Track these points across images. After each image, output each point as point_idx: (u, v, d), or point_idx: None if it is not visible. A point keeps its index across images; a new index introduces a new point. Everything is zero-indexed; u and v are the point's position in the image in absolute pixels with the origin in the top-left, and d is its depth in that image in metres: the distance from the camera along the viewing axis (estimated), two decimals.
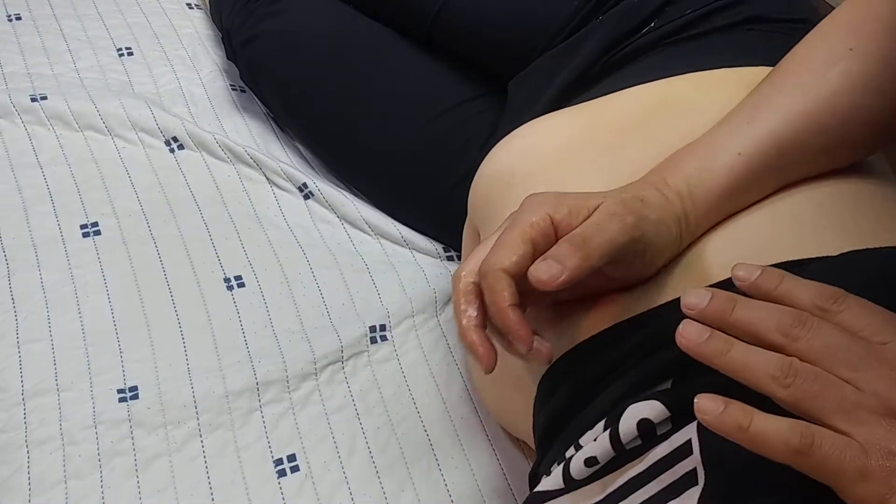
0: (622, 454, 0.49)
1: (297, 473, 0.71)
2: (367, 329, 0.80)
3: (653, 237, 0.52)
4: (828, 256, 0.50)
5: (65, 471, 0.69)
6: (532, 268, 0.48)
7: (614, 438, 0.48)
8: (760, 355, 0.40)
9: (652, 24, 0.73)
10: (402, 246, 0.90)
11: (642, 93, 0.68)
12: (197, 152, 0.94)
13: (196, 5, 1.16)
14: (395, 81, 0.91)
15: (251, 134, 1.00)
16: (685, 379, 0.49)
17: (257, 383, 0.76)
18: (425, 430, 0.75)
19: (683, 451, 0.45)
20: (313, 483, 0.71)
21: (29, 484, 0.68)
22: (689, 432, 0.45)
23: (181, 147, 0.94)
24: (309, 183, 0.92)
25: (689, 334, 0.41)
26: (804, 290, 0.42)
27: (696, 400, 0.39)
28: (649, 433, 0.48)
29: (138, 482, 0.69)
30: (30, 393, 0.73)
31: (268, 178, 0.93)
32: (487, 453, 0.74)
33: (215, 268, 0.84)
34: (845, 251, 0.50)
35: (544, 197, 0.52)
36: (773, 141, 0.55)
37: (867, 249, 0.50)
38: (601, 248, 0.49)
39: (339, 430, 0.74)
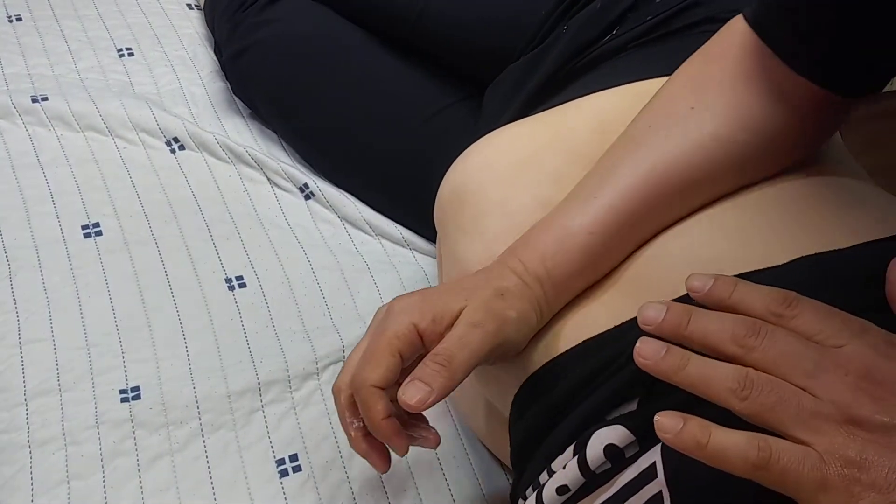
0: (592, 479, 0.49)
1: (299, 473, 0.71)
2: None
3: (514, 335, 0.54)
4: (775, 266, 0.50)
5: (67, 471, 0.69)
6: (401, 392, 0.49)
7: (583, 465, 0.49)
8: (717, 369, 0.40)
9: (614, 32, 0.74)
10: (403, 246, 0.90)
11: (596, 102, 0.69)
12: (198, 153, 0.94)
13: (196, 6, 1.17)
14: (383, 87, 0.92)
15: (252, 134, 1.00)
16: (651, 397, 0.49)
17: (259, 383, 0.76)
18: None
19: (649, 474, 0.45)
20: (315, 483, 0.71)
21: (31, 484, 0.68)
22: (654, 455, 0.45)
23: (182, 147, 0.94)
24: (310, 183, 0.92)
25: (646, 352, 0.41)
26: (758, 296, 0.42)
27: (655, 418, 0.39)
28: (617, 456, 0.48)
29: (141, 482, 0.69)
30: (32, 393, 0.73)
31: (269, 179, 0.93)
32: (489, 453, 0.75)
33: (216, 268, 0.84)
34: (793, 258, 0.50)
35: (409, 303, 0.53)
36: (617, 215, 0.55)
37: (815, 255, 0.50)
38: (466, 362, 0.50)
39: (340, 430, 0.74)
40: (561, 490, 0.50)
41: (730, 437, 0.37)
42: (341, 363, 0.78)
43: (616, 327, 0.54)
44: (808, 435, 0.37)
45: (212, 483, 0.70)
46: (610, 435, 0.48)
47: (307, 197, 0.92)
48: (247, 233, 0.88)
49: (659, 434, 0.39)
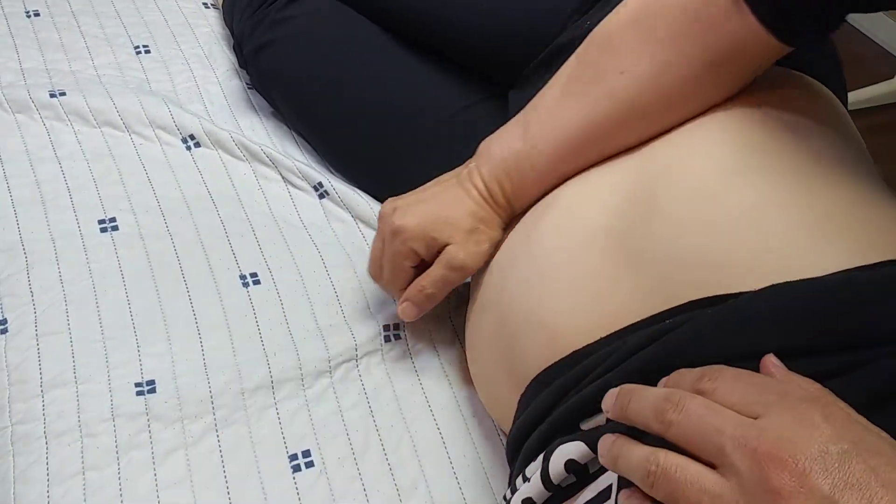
0: (558, 493, 0.51)
1: (311, 468, 0.72)
2: (381, 328, 0.81)
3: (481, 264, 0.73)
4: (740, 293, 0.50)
5: (83, 462, 0.70)
6: (399, 307, 0.76)
7: (545, 478, 0.51)
8: (632, 456, 0.43)
9: None
10: None
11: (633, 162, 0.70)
12: (213, 150, 0.95)
13: (212, 4, 1.17)
14: (402, 87, 0.93)
15: (267, 132, 1.01)
16: None
17: (272, 380, 0.76)
18: (438, 428, 0.76)
19: (604, 495, 0.47)
20: (328, 478, 0.71)
21: (47, 475, 0.69)
22: (611, 477, 0.47)
23: (198, 145, 0.95)
24: (324, 182, 0.93)
25: (602, 450, 0.45)
26: (686, 376, 0.44)
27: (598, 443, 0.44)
28: (581, 471, 0.50)
29: (155, 475, 0.70)
30: (48, 385, 0.73)
31: (283, 177, 0.94)
32: (499, 451, 0.75)
33: (231, 265, 0.85)
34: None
35: (414, 232, 0.72)
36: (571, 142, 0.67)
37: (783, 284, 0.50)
38: (441, 297, 0.76)
39: (353, 427, 0.75)
40: (526, 503, 0.52)
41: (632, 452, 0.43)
42: (353, 361, 0.79)
43: (597, 341, 0.55)
44: None
45: (225, 477, 0.71)
46: (571, 450, 0.50)
47: (321, 196, 0.93)
48: (261, 230, 0.88)
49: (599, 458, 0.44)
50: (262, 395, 0.75)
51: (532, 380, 0.60)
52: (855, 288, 0.48)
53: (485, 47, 0.87)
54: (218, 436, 0.73)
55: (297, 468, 0.72)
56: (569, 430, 0.53)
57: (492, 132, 0.74)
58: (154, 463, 0.70)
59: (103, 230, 0.85)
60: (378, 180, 0.93)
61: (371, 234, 0.91)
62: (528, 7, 0.84)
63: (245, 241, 0.87)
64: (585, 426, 0.53)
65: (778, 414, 0.38)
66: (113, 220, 0.87)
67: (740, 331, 0.48)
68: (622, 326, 0.55)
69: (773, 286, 0.49)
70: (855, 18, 2.30)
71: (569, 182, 0.68)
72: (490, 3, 0.87)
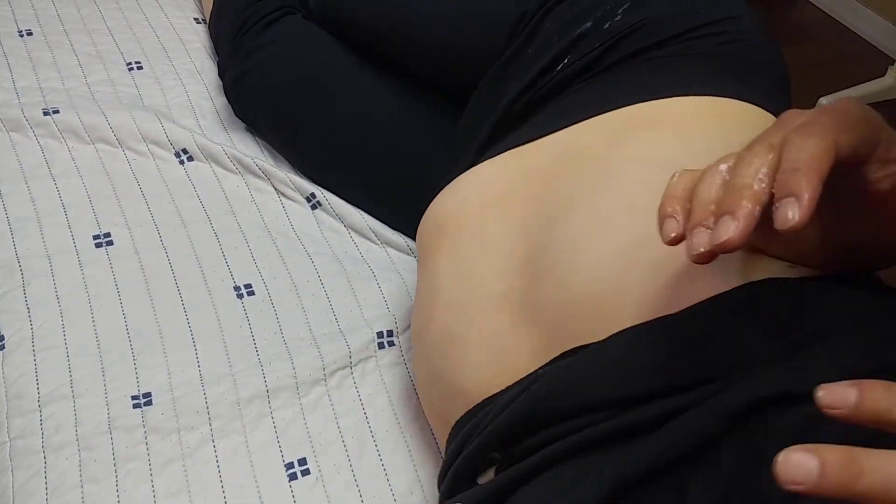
0: None
1: (308, 476, 0.72)
2: (375, 335, 0.82)
3: None
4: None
5: (81, 475, 0.70)
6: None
7: None
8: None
9: (566, 61, 0.75)
10: (408, 254, 0.91)
11: (555, 141, 0.70)
12: (206, 164, 0.96)
13: (203, 20, 1.18)
14: (374, 108, 0.94)
15: (258, 145, 1.02)
16: (505, 463, 0.52)
17: (268, 389, 0.77)
18: (433, 433, 0.77)
19: None
20: (324, 485, 0.72)
21: (46, 488, 0.69)
22: None
23: (191, 158, 0.96)
24: (317, 193, 0.94)
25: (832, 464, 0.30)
26: None
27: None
28: None
29: (153, 486, 0.71)
30: (46, 399, 0.74)
31: (276, 189, 0.95)
32: None
33: (225, 276, 0.86)
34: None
35: (869, 108, 0.42)
36: None
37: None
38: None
39: (348, 434, 0.75)
40: None
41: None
42: (348, 368, 0.80)
43: (498, 392, 0.58)
44: None
45: (222, 487, 0.71)
46: None
47: (314, 206, 0.94)
48: (255, 242, 0.89)
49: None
50: (258, 405, 0.76)
51: (454, 424, 0.63)
52: (705, 321, 0.49)
53: (440, 60, 0.89)
54: (214, 446, 0.73)
55: (293, 476, 0.72)
56: (467, 484, 0.56)
57: (465, 139, 0.75)
58: (152, 474, 0.71)
59: (98, 245, 0.86)
60: (363, 196, 0.94)
61: (363, 243, 0.92)
62: (477, 16, 0.85)
63: (239, 252, 0.88)
64: (481, 480, 0.55)
65: None
66: (108, 234, 0.87)
67: (590, 381, 0.50)
68: (523, 376, 0.58)
69: (624, 331, 0.51)
70: (845, 17, 2.31)
71: (469, 245, 0.68)
72: (441, 17, 0.88)
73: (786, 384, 0.42)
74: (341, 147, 0.94)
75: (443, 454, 0.75)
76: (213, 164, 0.96)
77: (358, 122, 0.94)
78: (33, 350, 0.77)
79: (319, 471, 0.73)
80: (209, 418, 0.75)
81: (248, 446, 0.74)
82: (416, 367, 0.72)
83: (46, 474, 0.70)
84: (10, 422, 0.73)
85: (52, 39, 1.11)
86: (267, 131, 1.01)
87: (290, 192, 0.94)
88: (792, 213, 0.36)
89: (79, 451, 0.72)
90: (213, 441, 0.74)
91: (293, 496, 0.71)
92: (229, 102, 1.03)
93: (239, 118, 1.03)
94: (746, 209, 0.37)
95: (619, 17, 0.74)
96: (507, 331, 0.61)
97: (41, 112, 0.97)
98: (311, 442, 0.75)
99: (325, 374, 0.79)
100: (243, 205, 0.93)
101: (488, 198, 0.69)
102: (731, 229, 0.37)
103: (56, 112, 0.97)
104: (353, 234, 0.92)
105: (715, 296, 0.50)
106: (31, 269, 0.83)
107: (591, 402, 0.48)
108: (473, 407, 0.61)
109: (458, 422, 0.62)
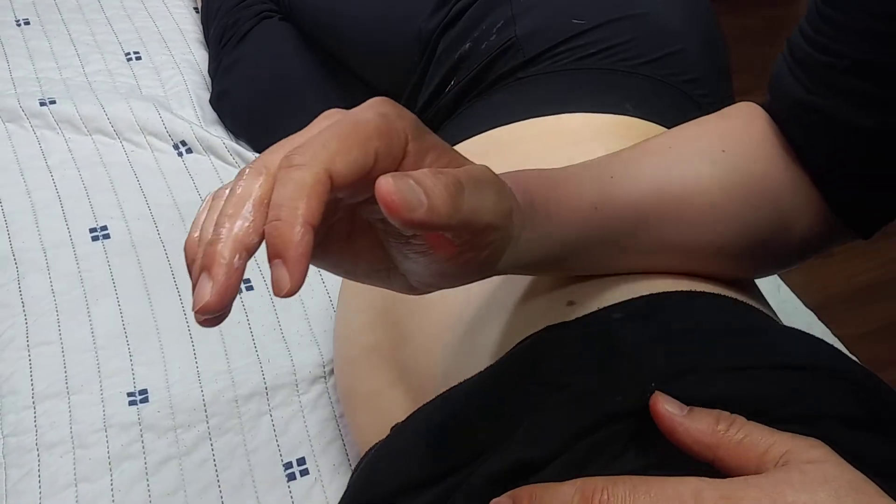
0: None
1: (306, 477, 0.71)
2: None
3: (504, 240, 0.40)
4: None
5: (75, 474, 0.69)
6: (387, 179, 0.31)
7: None
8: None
9: (452, 83, 0.75)
10: None
11: None
12: (205, 156, 0.94)
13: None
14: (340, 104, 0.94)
15: None
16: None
17: (266, 387, 0.76)
18: None
19: None
20: (323, 486, 0.71)
21: (39, 487, 0.68)
22: None
23: (189, 151, 0.95)
24: None
25: None
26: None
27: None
28: None
29: (148, 485, 0.69)
30: (40, 396, 0.73)
31: None
32: None
33: None
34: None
35: (405, 111, 0.36)
36: (633, 208, 0.48)
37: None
38: (471, 209, 0.35)
39: (348, 434, 0.74)
40: None
41: None
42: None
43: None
44: None
45: (219, 486, 0.70)
46: None
47: None
48: None
49: None
50: (256, 403, 0.75)
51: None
52: (460, 404, 0.47)
53: (372, 65, 0.89)
54: (212, 444, 0.72)
55: (291, 476, 0.71)
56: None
57: None
58: (147, 473, 0.70)
59: (95, 238, 0.85)
60: None
61: None
62: (389, 26, 0.85)
63: None
64: None
65: None
66: (104, 228, 0.86)
67: (389, 465, 0.48)
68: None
69: (421, 408, 0.50)
70: None
71: (349, 289, 0.67)
72: (362, 21, 0.88)
73: (518, 454, 0.40)
74: None
75: None
76: (212, 156, 0.95)
77: None
78: (28, 345, 0.76)
79: (318, 471, 0.71)
80: (206, 416, 0.73)
81: (245, 445, 0.72)
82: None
83: (40, 473, 0.69)
84: (3, 418, 0.72)
85: (49, 29, 1.09)
86: (255, 142, 1.00)
87: None
88: (283, 280, 0.30)
89: (73, 448, 0.70)
90: (210, 440, 0.72)
91: (291, 497, 0.70)
92: (218, 116, 1.02)
93: (231, 132, 1.02)
94: (222, 264, 0.30)
95: (493, 36, 0.73)
96: (386, 390, 0.61)
97: (38, 102, 0.95)
98: (310, 441, 0.73)
99: (325, 372, 0.78)
100: None
101: None
102: (206, 291, 0.30)
103: (53, 102, 0.96)
104: None
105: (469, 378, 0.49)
106: (26, 263, 0.82)
107: (385, 490, 0.46)
108: (360, 460, 0.60)
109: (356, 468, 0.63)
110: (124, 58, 1.07)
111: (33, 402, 0.72)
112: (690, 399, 0.38)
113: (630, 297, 0.48)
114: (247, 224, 0.31)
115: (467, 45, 0.74)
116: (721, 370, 0.41)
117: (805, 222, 0.51)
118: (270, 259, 0.30)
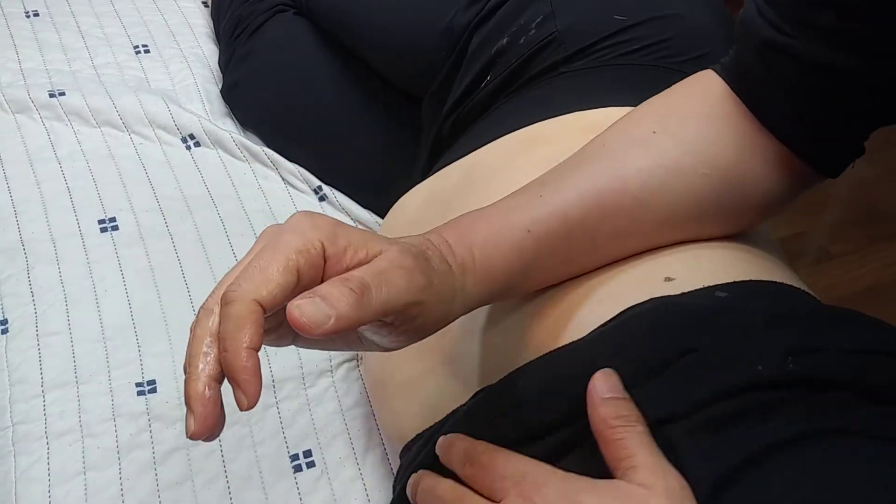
0: None
1: (312, 469, 0.72)
2: None
3: (432, 306, 0.45)
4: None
5: (84, 462, 0.70)
6: (294, 305, 0.38)
7: None
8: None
9: (488, 78, 0.75)
10: None
11: (462, 165, 0.70)
12: (213, 150, 0.95)
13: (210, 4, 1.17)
14: (356, 110, 0.94)
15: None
16: None
17: (273, 379, 0.76)
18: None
19: None
20: (329, 479, 0.71)
21: (49, 475, 0.69)
22: None
23: (198, 144, 0.95)
24: (324, 186, 0.93)
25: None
26: (455, 456, 0.47)
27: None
28: None
29: (156, 475, 0.70)
30: (49, 385, 0.73)
31: (283, 178, 0.94)
32: None
33: (231, 264, 0.83)
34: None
35: (320, 220, 0.42)
36: (562, 220, 0.51)
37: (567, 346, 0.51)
38: (381, 303, 0.40)
39: (354, 427, 0.75)
40: None
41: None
42: (355, 360, 0.79)
43: (428, 428, 0.58)
44: None
45: (226, 477, 0.71)
46: None
47: (321, 199, 0.93)
48: (261, 229, 0.87)
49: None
50: (264, 395, 0.74)
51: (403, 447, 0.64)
52: (559, 364, 0.50)
53: (394, 64, 0.89)
54: (219, 436, 0.72)
55: (298, 468, 0.72)
56: None
57: (418, 158, 0.76)
58: (155, 463, 0.70)
59: (103, 230, 0.85)
60: (367, 199, 0.94)
61: None
62: (412, 25, 0.85)
63: (245, 240, 0.87)
64: None
65: (513, 499, 0.41)
66: (113, 219, 0.86)
67: (492, 422, 0.51)
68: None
69: (515, 372, 0.52)
70: None
71: None
72: (384, 21, 0.88)
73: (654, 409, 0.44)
74: (334, 152, 0.94)
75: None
76: (220, 150, 0.95)
77: (341, 128, 0.94)
78: (37, 335, 0.76)
79: (325, 464, 0.72)
80: None
81: (252, 437, 0.73)
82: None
83: (49, 461, 0.69)
84: (12, 407, 0.72)
85: (58, 21, 1.09)
86: (265, 136, 1.00)
87: (297, 183, 0.93)
88: (241, 399, 0.38)
89: (82, 437, 0.71)
90: None
91: (298, 489, 0.71)
92: (229, 107, 1.02)
93: (241, 124, 1.02)
94: (195, 397, 0.38)
95: (532, 31, 0.73)
96: (426, 377, 0.62)
97: (47, 94, 0.96)
98: (316, 434, 0.74)
99: (331, 366, 0.78)
100: (250, 192, 0.92)
101: (403, 226, 0.70)
102: (191, 422, 0.38)
103: (62, 94, 0.96)
104: (359, 226, 0.92)
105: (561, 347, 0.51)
106: (35, 253, 0.82)
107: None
108: (411, 440, 0.61)
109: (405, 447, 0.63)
110: (133, 51, 1.07)
111: (42, 391, 0.73)
112: (824, 376, 0.41)
113: (732, 280, 0.51)
114: (209, 359, 0.38)
115: (505, 40, 0.74)
116: (849, 352, 0.44)
117: (759, 177, 0.53)
118: (229, 382, 0.38)
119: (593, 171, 0.53)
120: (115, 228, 0.86)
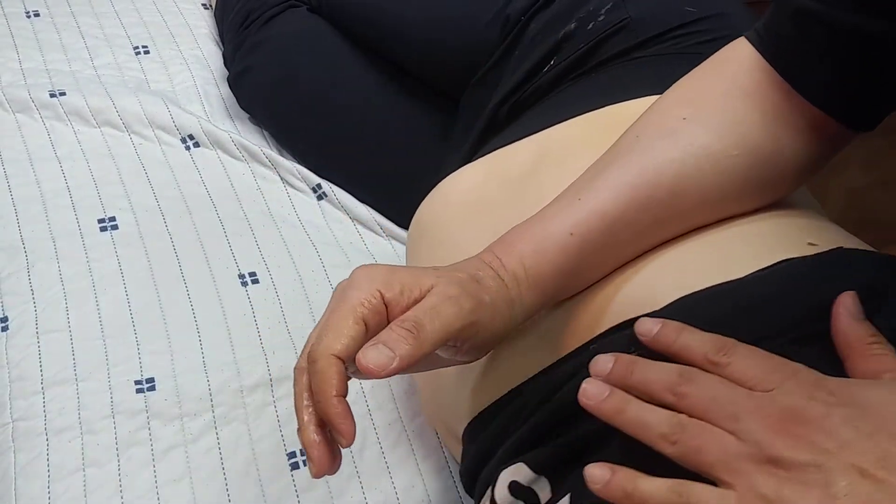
0: None
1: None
2: None
3: (488, 322, 0.50)
4: (659, 309, 0.51)
5: (83, 459, 0.70)
6: (361, 354, 0.44)
7: None
8: (653, 414, 0.43)
9: (552, 62, 0.75)
10: None
11: (531, 143, 0.70)
12: (212, 150, 0.96)
13: (211, 6, 1.18)
14: (372, 105, 0.94)
15: (263, 134, 1.02)
16: (558, 438, 0.51)
17: (271, 378, 0.77)
18: (435, 427, 0.77)
19: None
20: (326, 477, 0.72)
21: (48, 471, 0.69)
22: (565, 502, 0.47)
23: (197, 145, 0.96)
24: (323, 184, 0.94)
25: (590, 393, 0.45)
26: (699, 343, 0.45)
27: (585, 471, 0.42)
28: (528, 495, 0.51)
29: (155, 472, 0.71)
30: (49, 382, 0.74)
31: (282, 178, 0.95)
32: None
33: (230, 264, 0.85)
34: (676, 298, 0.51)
35: (375, 271, 0.49)
36: (601, 219, 0.54)
37: (737, 279, 0.51)
38: (436, 334, 0.46)
39: None
40: None
41: (651, 485, 0.40)
42: (352, 360, 0.79)
43: (528, 379, 0.57)
44: (730, 476, 0.39)
45: (224, 474, 0.71)
46: (513, 472, 0.51)
47: (320, 197, 0.94)
48: (260, 230, 0.89)
49: (589, 485, 0.42)
50: (261, 393, 0.76)
51: (473, 418, 0.62)
52: (759, 286, 0.51)
53: (428, 58, 0.89)
54: (217, 433, 0.73)
55: (295, 466, 0.73)
56: (515, 455, 0.55)
57: (457, 141, 0.75)
58: (154, 460, 0.71)
59: (103, 229, 0.86)
60: (369, 194, 0.95)
61: (368, 235, 0.92)
62: (458, 17, 0.85)
63: (244, 240, 0.88)
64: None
65: (789, 391, 0.41)
66: (113, 219, 0.87)
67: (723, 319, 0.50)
68: (547, 365, 0.57)
69: (680, 299, 0.52)
70: None
71: (444, 250, 0.68)
72: (423, 14, 0.88)
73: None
74: (342, 144, 0.95)
75: (445, 451, 0.75)
76: (219, 150, 0.96)
77: (357, 119, 0.94)
78: (37, 332, 0.77)
79: None
80: (212, 405, 0.75)
81: (250, 435, 0.74)
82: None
83: (49, 457, 0.70)
84: (12, 403, 0.73)
85: (59, 21, 1.10)
86: (270, 125, 1.01)
87: (296, 182, 0.94)
88: (339, 440, 0.45)
89: (81, 434, 0.72)
90: (215, 428, 0.74)
91: (295, 486, 0.71)
92: (234, 95, 1.03)
93: (246, 112, 1.03)
94: (309, 444, 0.46)
95: (601, 17, 0.74)
96: (482, 362, 0.61)
97: (47, 94, 0.97)
98: None
99: None
100: (249, 192, 0.93)
101: (463, 203, 0.70)
102: (311, 466, 0.46)
103: (62, 94, 0.97)
104: (358, 225, 0.92)
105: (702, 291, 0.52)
106: (35, 252, 0.83)
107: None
108: (503, 396, 0.59)
109: (485, 411, 0.61)
110: (133, 52, 1.08)
111: (42, 388, 0.74)
112: None
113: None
114: (310, 410, 0.46)
115: (573, 25, 0.75)
116: None
117: (791, 147, 0.55)
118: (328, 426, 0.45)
119: (626, 168, 0.55)
120: (115, 228, 0.86)
